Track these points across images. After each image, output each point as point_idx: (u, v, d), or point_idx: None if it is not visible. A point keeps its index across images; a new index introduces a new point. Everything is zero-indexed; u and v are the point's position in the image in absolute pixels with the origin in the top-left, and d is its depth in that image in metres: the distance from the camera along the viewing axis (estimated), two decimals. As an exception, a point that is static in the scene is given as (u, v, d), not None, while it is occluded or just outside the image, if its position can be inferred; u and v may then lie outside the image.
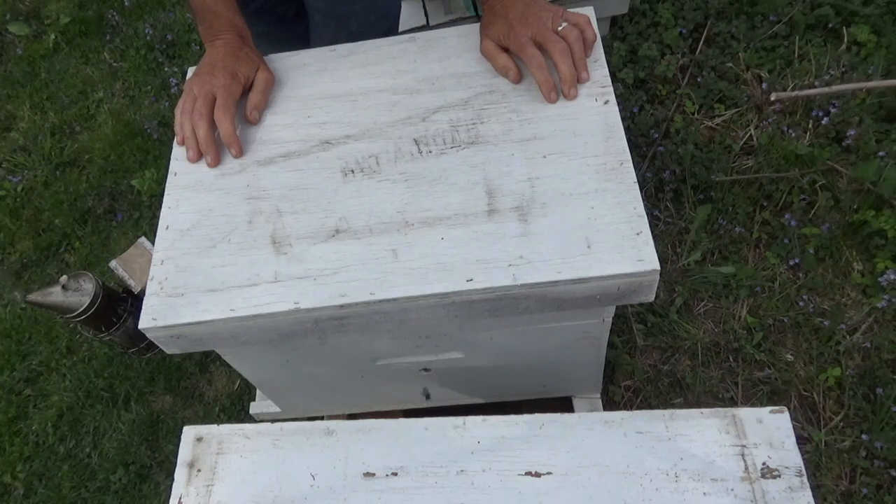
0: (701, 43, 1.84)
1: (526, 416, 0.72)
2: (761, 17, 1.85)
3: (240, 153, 0.90)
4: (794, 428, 0.70)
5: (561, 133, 0.84)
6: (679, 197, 1.65)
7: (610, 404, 1.45)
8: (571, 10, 0.90)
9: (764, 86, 1.72)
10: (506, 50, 0.90)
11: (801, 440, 1.35)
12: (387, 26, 1.23)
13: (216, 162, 0.90)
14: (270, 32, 1.26)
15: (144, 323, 0.80)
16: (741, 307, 1.50)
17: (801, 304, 1.48)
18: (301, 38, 1.25)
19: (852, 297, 1.48)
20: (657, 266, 0.74)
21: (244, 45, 0.95)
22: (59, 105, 2.21)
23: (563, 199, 0.79)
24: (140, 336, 1.59)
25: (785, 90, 1.70)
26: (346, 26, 1.15)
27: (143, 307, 0.81)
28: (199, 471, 0.74)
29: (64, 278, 1.49)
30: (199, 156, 0.91)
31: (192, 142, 0.90)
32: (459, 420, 0.73)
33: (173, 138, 0.95)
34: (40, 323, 1.77)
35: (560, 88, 0.87)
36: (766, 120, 1.70)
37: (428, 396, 1.10)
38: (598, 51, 0.90)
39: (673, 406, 1.43)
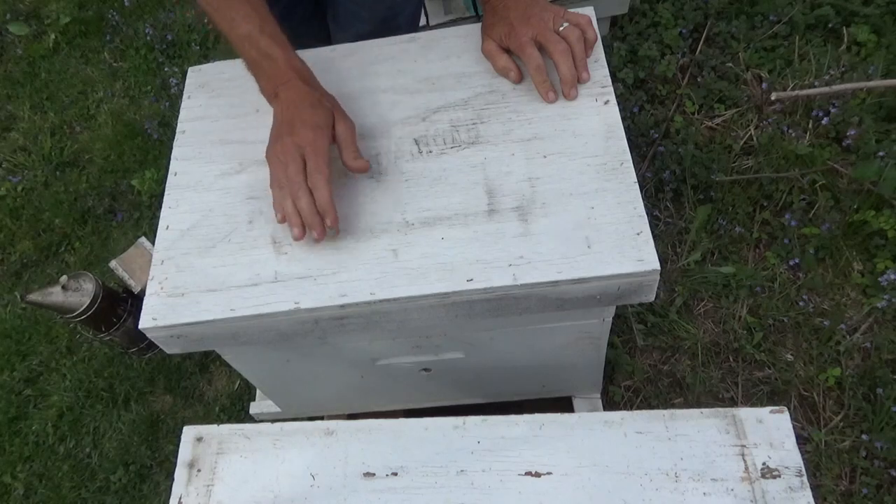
0: (701, 43, 1.84)
1: (526, 416, 0.73)
2: (761, 17, 1.85)
3: (335, 223, 0.79)
4: (794, 428, 0.70)
5: (561, 133, 0.84)
6: (679, 197, 1.65)
7: (610, 404, 1.45)
8: (572, 10, 0.90)
9: (764, 86, 1.72)
10: (507, 50, 0.90)
11: (801, 440, 1.35)
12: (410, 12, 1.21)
13: (323, 235, 0.79)
14: (293, 29, 1.24)
15: (144, 323, 0.80)
16: (741, 307, 1.50)
17: (801, 304, 1.48)
18: (317, 36, 1.24)
19: (852, 297, 1.48)
20: (657, 266, 0.74)
21: (311, 88, 0.84)
22: (59, 105, 2.21)
23: (563, 198, 0.79)
24: (140, 336, 1.59)
25: (785, 90, 1.70)
26: (388, 25, 1.15)
27: (144, 307, 0.81)
28: (199, 471, 0.74)
29: (64, 278, 1.49)
30: (304, 232, 0.79)
31: (296, 218, 0.78)
32: (459, 420, 0.73)
33: (173, 138, 0.94)
34: (40, 323, 1.77)
35: (560, 89, 0.87)
36: (766, 120, 1.70)
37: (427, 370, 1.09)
38: (599, 51, 0.90)
39: (673, 406, 1.43)
